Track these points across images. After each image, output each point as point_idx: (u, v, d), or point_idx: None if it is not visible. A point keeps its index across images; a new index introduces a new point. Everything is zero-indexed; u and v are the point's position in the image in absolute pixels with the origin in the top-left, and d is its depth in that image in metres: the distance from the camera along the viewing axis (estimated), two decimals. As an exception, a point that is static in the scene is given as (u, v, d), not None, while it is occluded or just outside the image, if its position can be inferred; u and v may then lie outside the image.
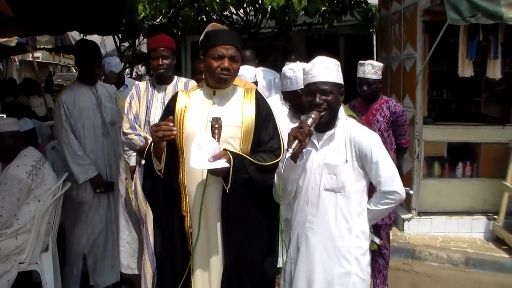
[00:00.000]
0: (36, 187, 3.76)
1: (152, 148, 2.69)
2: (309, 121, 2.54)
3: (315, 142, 2.73)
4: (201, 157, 2.46)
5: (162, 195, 2.79)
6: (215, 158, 2.47)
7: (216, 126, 2.59)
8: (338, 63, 2.75)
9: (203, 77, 2.91)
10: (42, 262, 3.85)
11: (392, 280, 4.82)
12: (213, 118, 2.62)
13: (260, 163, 2.64)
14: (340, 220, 2.65)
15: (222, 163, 2.49)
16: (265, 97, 2.92)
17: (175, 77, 4.17)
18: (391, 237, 5.89)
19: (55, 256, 4.05)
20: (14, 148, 3.85)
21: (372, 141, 2.64)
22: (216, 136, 2.57)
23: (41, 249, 3.84)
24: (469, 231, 6.11)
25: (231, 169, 2.54)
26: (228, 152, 2.56)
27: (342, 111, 2.76)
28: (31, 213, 3.73)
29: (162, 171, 2.70)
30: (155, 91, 4.08)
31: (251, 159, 2.63)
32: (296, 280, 2.78)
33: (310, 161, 2.73)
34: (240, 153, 2.64)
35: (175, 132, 2.62)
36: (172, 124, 2.59)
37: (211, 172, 2.57)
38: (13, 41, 9.92)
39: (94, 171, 4.21)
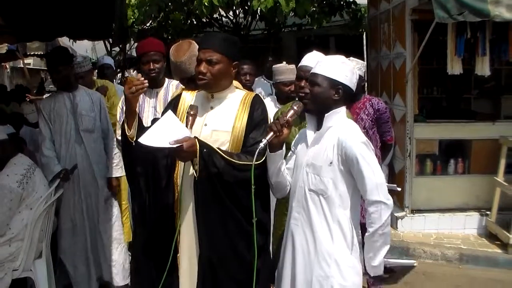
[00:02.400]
0: (27, 196, 3.75)
1: (125, 112, 2.73)
2: (290, 113, 2.57)
3: (308, 139, 2.70)
4: (159, 137, 2.45)
5: (150, 187, 2.81)
6: (177, 142, 2.44)
7: (191, 113, 2.64)
8: (351, 65, 2.69)
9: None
10: (36, 268, 3.83)
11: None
12: (190, 105, 2.71)
13: (231, 159, 2.59)
14: (322, 222, 2.59)
15: (165, 144, 2.44)
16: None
17: (166, 80, 4.17)
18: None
19: (49, 262, 4.04)
20: (2, 157, 3.83)
21: (359, 147, 2.52)
22: (189, 123, 2.61)
23: (34, 256, 3.82)
24: (463, 228, 6.14)
25: (198, 158, 2.52)
26: (197, 140, 2.53)
27: (341, 112, 2.66)
28: (24, 221, 3.72)
29: (134, 139, 2.70)
30: (146, 96, 4.07)
31: (221, 153, 2.59)
32: (282, 278, 2.77)
33: (301, 158, 2.71)
34: (211, 146, 2.60)
35: (147, 84, 2.68)
36: (143, 78, 2.68)
37: (175, 155, 2.56)
38: (3, 48, 9.90)
39: (58, 168, 4.16)
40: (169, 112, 2.65)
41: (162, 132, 2.47)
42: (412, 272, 5.37)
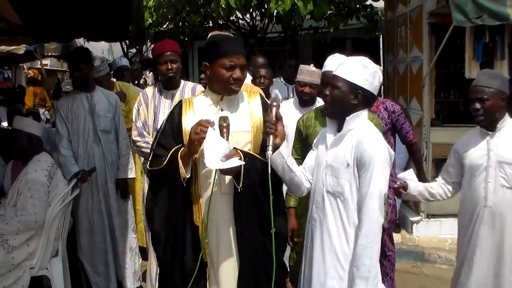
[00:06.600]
0: (50, 191, 3.81)
1: (183, 153, 2.61)
2: (273, 110, 2.54)
3: (328, 141, 2.67)
4: (213, 157, 2.45)
5: (176, 204, 2.75)
6: (227, 157, 2.46)
7: (224, 125, 2.58)
8: (373, 68, 2.59)
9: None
10: (52, 267, 3.87)
11: (401, 283, 4.80)
12: (220, 117, 2.62)
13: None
14: (339, 225, 2.55)
15: (236, 162, 2.47)
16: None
17: (182, 81, 4.18)
18: (399, 240, 5.90)
19: (65, 261, 4.08)
20: (27, 150, 3.92)
21: (375, 153, 2.48)
22: (225, 135, 2.57)
23: (51, 254, 3.86)
24: (479, 233, 6.06)
25: (243, 168, 2.52)
26: (239, 151, 2.55)
27: (362, 115, 2.62)
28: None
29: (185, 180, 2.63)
30: (162, 97, 4.08)
31: (261, 158, 2.62)
32: (302, 277, 2.77)
33: (321, 159, 2.69)
34: (249, 152, 2.64)
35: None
36: (212, 121, 2.56)
37: (224, 171, 2.54)
38: (21, 49, 9.98)
39: (75, 169, 4.21)
40: (209, 129, 2.58)
41: (212, 151, 2.46)
42: (427, 278, 5.33)
